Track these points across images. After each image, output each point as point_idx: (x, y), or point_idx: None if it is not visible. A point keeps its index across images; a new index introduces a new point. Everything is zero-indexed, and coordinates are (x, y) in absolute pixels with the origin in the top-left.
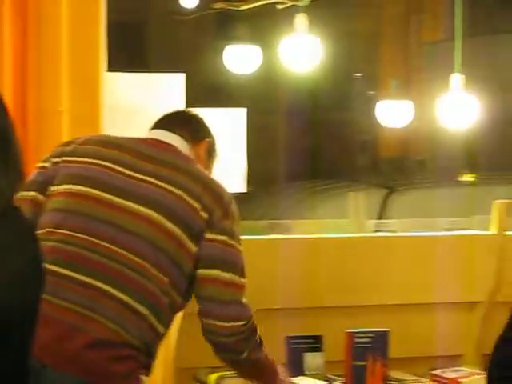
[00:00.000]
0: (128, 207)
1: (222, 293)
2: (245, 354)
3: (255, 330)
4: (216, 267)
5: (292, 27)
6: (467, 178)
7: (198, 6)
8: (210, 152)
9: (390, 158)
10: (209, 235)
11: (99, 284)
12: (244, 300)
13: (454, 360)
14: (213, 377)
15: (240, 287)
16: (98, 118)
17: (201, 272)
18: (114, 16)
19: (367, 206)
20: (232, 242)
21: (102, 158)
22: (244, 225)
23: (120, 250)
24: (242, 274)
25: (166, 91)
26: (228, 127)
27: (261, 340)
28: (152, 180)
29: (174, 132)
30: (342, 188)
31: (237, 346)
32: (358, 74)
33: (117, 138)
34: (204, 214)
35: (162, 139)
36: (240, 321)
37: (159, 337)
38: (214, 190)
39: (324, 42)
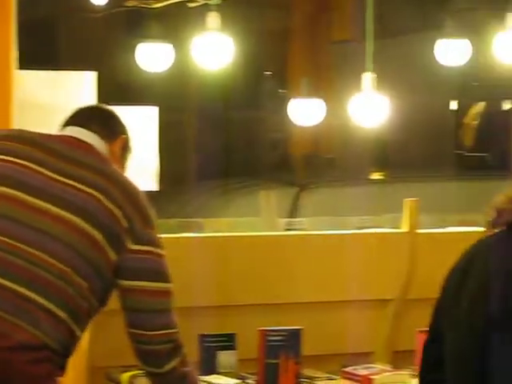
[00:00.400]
0: (48, 210)
1: (153, 303)
2: (171, 365)
3: (182, 342)
4: (144, 278)
5: (204, 26)
6: (376, 176)
7: (108, 3)
8: (125, 149)
9: (301, 156)
10: (132, 246)
11: (20, 289)
12: (172, 307)
13: (365, 357)
14: (126, 376)
15: (169, 295)
16: (8, 115)
17: (128, 283)
18: (24, 14)
19: (278, 205)
20: (156, 250)
21: (15, 155)
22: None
23: (41, 255)
24: (168, 281)
25: (77, 89)
26: (140, 125)
27: (186, 357)
28: (71, 182)
29: (90, 129)
30: (253, 186)
31: (166, 354)
32: (269, 73)
33: (30, 133)
34: (124, 223)
35: (79, 137)
36: (172, 328)
37: (76, 340)
38: (133, 195)
39: (236, 40)
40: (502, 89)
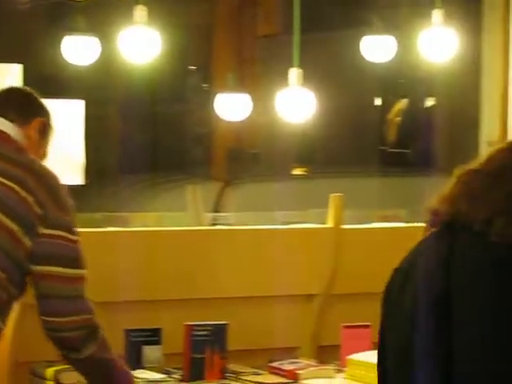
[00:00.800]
0: None
1: (64, 289)
2: (89, 351)
3: (99, 326)
4: (55, 263)
5: (131, 19)
6: (299, 171)
7: None
8: (43, 132)
9: (226, 151)
10: (45, 230)
11: None
12: (86, 293)
13: (291, 352)
14: (50, 370)
15: (82, 281)
16: None
17: (40, 269)
18: None
19: (204, 199)
20: (70, 236)
21: None
22: (80, 217)
23: None
24: (82, 267)
25: (2, 81)
26: (66, 119)
27: (106, 341)
28: None
29: (6, 117)
30: (179, 181)
31: (81, 340)
32: (193, 67)
33: None
34: (37, 209)
35: None
36: (85, 314)
37: None
38: (48, 182)
39: (163, 34)
40: (425, 86)
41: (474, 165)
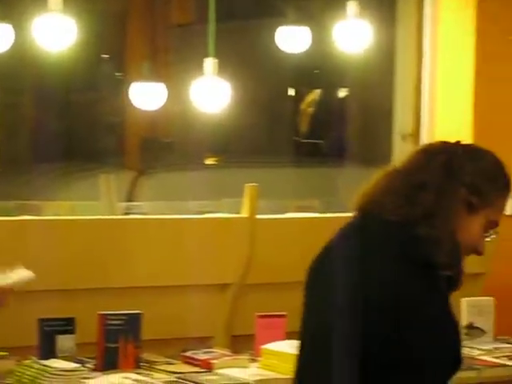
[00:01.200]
0: None
1: None
2: None
3: None
4: None
5: (45, 6)
6: (212, 161)
7: None
8: None
9: (140, 140)
10: None
11: None
12: None
13: (205, 341)
14: None
15: None
16: None
17: None
18: None
19: (118, 189)
20: None
21: None
22: None
23: None
24: None
25: None
26: None
27: None
28: None
29: None
30: (92, 170)
31: None
32: (106, 55)
33: None
34: None
35: None
36: None
37: None
38: None
39: (78, 22)
40: (339, 77)
41: (396, 165)
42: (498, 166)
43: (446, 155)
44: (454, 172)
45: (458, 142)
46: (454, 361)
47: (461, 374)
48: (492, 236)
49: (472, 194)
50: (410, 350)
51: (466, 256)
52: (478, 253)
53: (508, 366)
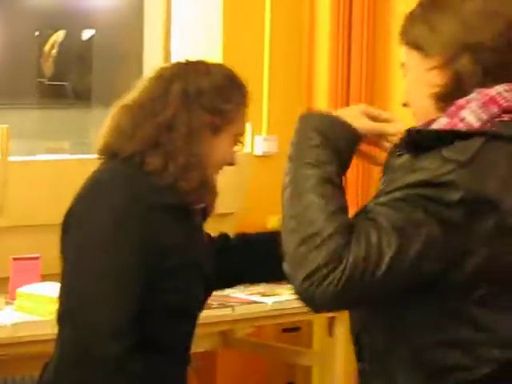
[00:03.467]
0: None
1: None
2: None
3: None
4: None
5: None
6: None
7: None
8: None
9: None
10: None
11: None
12: None
13: None
14: None
15: None
16: None
17: None
18: None
19: None
20: None
21: None
22: None
23: None
24: None
25: None
26: None
27: None
28: None
29: None
30: None
31: None
32: None
33: None
34: None
35: None
36: None
37: None
38: None
39: None
40: (85, 18)
41: (127, 99)
42: (231, 79)
43: (181, 82)
44: (193, 99)
45: (188, 62)
46: None
47: (215, 312)
48: (239, 146)
49: (214, 116)
50: None
51: (218, 171)
52: (231, 165)
53: (261, 302)
